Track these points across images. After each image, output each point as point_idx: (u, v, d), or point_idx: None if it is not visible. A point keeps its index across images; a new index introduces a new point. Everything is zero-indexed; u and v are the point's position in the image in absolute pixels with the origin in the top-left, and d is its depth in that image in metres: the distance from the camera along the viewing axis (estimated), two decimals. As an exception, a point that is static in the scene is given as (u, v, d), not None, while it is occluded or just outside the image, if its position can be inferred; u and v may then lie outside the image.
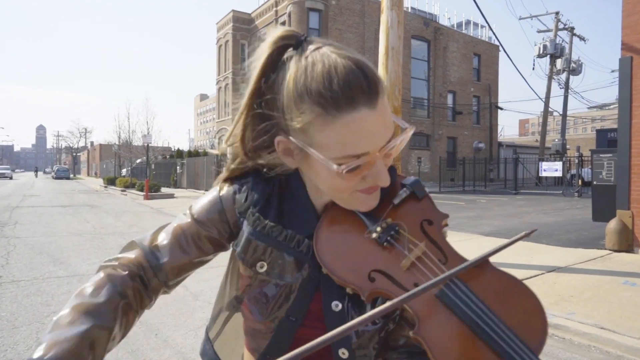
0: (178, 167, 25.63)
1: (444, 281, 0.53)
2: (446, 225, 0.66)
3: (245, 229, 0.69)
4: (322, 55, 0.59)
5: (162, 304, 4.12)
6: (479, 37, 32.92)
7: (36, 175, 62.49)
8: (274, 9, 26.17)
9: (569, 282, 4.65)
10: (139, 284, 0.67)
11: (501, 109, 33.41)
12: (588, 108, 52.29)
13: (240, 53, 29.26)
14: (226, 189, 0.73)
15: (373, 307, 0.58)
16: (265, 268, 0.67)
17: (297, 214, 0.69)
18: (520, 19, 27.72)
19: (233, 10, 29.21)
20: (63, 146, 77.32)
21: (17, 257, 6.17)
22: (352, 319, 0.58)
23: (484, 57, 32.37)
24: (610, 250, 6.23)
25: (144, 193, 18.16)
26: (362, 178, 0.61)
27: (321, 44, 0.62)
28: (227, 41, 29.55)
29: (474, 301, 0.52)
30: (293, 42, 0.63)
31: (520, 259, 5.80)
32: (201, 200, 0.74)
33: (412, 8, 28.89)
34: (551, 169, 19.41)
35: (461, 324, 0.51)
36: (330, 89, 0.56)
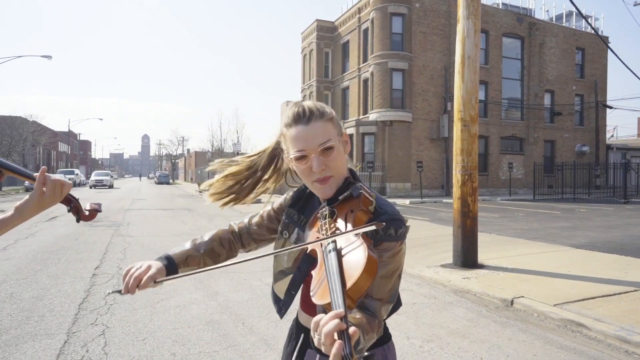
0: (266, 173, 27.17)
1: (320, 240, 0.94)
2: (369, 206, 1.03)
3: (284, 216, 1.23)
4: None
5: (249, 298, 4.61)
6: (583, 29, 29.93)
7: (140, 180, 78.50)
8: (357, 15, 26.54)
9: (671, 302, 4.24)
10: (233, 236, 1.31)
11: (609, 107, 29.97)
12: None
13: (324, 61, 30.12)
14: (289, 194, 1.28)
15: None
16: (287, 235, 1.19)
17: (310, 205, 1.20)
18: (635, 4, 24.74)
19: (317, 20, 30.04)
20: (164, 153, 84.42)
21: (131, 253, 7.23)
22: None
23: (589, 51, 29.35)
24: None
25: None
26: (309, 169, 1.06)
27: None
28: (311, 50, 30.54)
29: (332, 257, 0.86)
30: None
31: (611, 273, 5.38)
32: (279, 199, 1.31)
33: (503, 4, 27.32)
34: (671, 175, 17.07)
35: (322, 263, 0.90)
36: (286, 119, 1.11)
